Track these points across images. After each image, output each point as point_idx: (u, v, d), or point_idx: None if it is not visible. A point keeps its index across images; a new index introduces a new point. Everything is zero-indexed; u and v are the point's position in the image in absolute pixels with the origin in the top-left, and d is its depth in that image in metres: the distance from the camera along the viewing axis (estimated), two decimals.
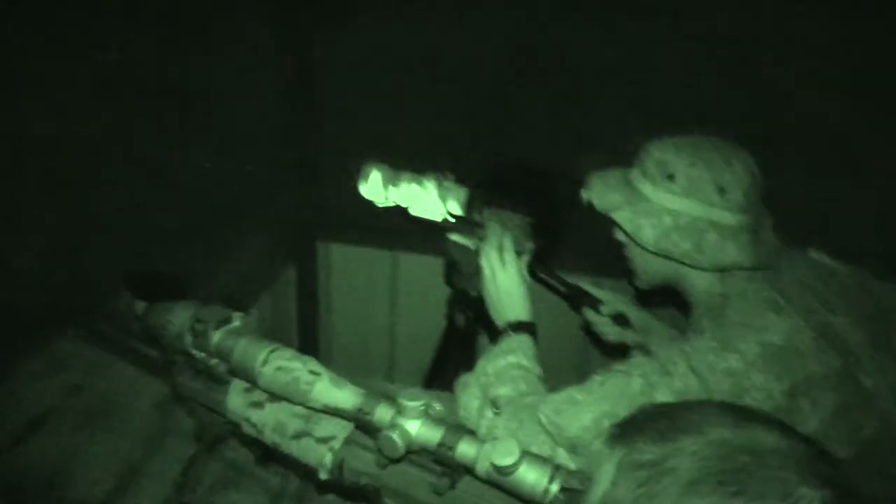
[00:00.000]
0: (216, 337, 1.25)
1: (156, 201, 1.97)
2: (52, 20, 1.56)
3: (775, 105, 2.15)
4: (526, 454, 0.99)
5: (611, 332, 1.98)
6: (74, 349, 1.84)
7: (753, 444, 0.68)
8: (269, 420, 1.23)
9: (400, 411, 1.07)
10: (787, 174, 1.68)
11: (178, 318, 1.29)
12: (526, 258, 1.79)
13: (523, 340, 1.63)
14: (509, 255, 1.73)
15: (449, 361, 2.03)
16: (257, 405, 1.25)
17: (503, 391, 1.52)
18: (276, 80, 2.56)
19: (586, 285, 1.96)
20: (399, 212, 1.97)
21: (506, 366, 1.58)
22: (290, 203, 2.84)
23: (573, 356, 2.65)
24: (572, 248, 1.98)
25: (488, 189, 1.87)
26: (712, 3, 2.13)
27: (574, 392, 1.43)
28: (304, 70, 2.61)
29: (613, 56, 2.23)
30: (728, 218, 1.45)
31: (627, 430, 0.77)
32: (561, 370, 1.76)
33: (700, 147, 1.48)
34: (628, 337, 1.97)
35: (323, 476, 1.18)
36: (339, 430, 1.17)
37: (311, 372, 1.17)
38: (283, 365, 1.19)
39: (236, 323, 1.27)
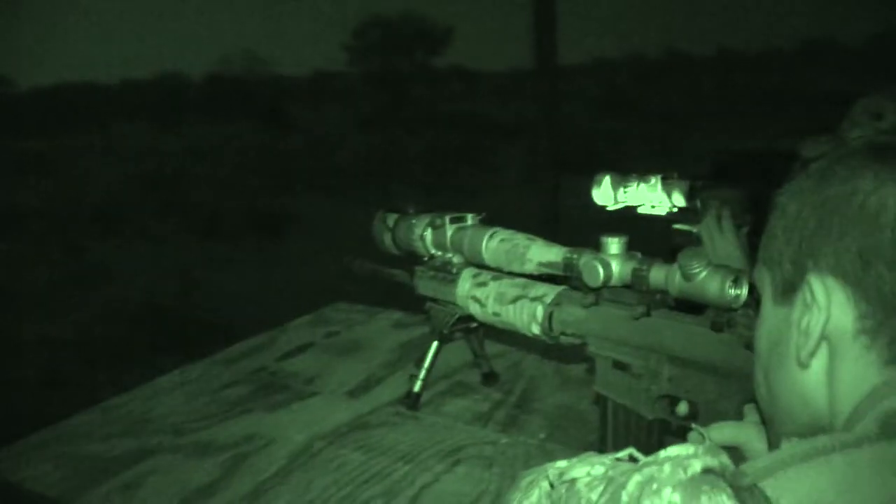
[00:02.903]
0: (450, 231, 1.48)
1: None
2: None
3: None
4: (711, 263, 1.08)
5: None
6: (339, 314, 2.15)
7: None
8: (492, 293, 1.41)
9: (602, 249, 1.21)
10: None
11: (421, 221, 1.54)
12: (745, 230, 1.86)
13: None
14: (727, 222, 1.81)
15: None
16: (482, 284, 1.44)
17: None
18: None
19: None
20: (627, 213, 2.13)
21: None
22: None
23: None
24: None
25: (709, 178, 1.99)
26: None
27: None
28: None
29: None
30: None
31: None
32: None
33: None
34: None
35: (535, 330, 1.33)
36: (550, 290, 1.33)
37: (527, 238, 1.35)
38: (504, 237, 1.39)
39: (469, 221, 1.49)
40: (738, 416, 1.06)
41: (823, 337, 0.71)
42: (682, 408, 1.16)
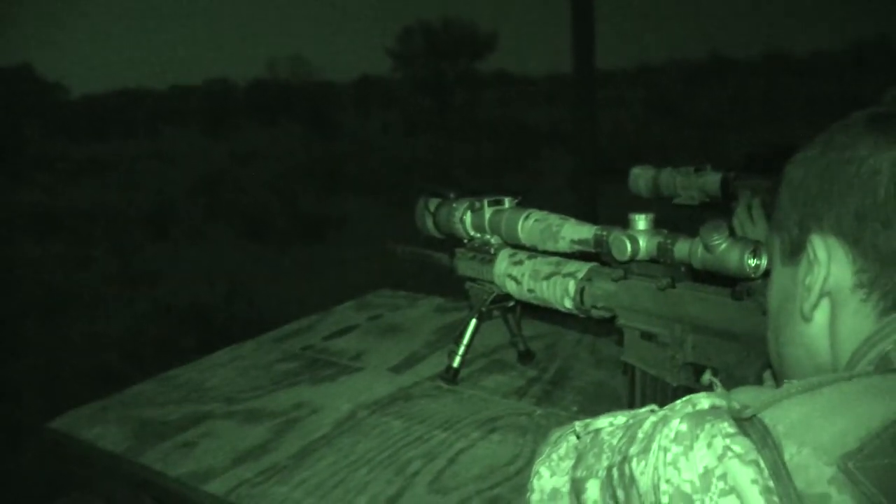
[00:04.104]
0: (488, 213, 1.56)
1: None
2: None
3: None
4: (732, 236, 1.15)
5: None
6: (382, 299, 2.25)
7: None
8: (527, 270, 1.48)
9: (630, 226, 1.28)
10: None
11: (461, 205, 1.62)
12: None
13: None
14: (757, 212, 1.87)
15: None
16: (518, 263, 1.51)
17: None
18: None
19: None
20: (662, 202, 2.20)
21: None
22: None
23: None
24: None
25: (740, 168, 2.04)
26: None
27: None
28: None
29: None
30: None
31: None
32: None
33: None
34: None
35: (567, 305, 1.40)
36: (582, 266, 1.40)
37: (560, 217, 1.43)
38: (538, 217, 1.47)
39: (506, 204, 1.57)
40: (758, 382, 1.11)
41: (825, 292, 0.77)
42: (706, 377, 1.22)
